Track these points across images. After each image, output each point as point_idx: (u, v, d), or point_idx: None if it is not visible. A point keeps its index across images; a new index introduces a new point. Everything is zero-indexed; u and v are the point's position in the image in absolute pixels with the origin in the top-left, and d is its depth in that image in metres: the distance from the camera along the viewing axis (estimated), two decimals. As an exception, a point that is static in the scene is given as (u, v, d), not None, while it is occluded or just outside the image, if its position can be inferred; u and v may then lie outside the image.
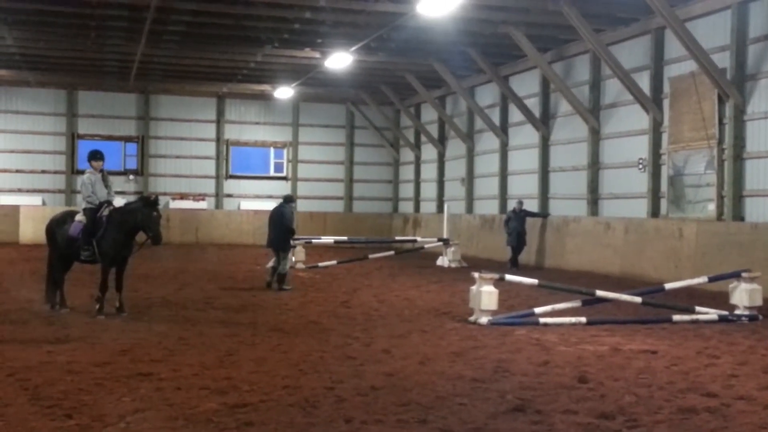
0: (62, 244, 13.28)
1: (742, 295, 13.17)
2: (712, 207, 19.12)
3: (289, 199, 18.30)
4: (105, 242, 12.84)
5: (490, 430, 6.65)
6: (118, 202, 13.31)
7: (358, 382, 8.25)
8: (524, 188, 27.20)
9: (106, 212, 12.97)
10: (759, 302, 13.22)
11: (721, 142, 18.91)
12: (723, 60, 18.68)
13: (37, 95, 34.39)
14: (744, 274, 13.31)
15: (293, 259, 22.46)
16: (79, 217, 13.17)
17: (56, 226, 13.45)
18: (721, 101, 18.81)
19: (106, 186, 13.28)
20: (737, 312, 13.15)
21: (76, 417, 6.82)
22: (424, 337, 11.24)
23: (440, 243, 25.48)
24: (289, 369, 8.89)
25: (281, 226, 17.47)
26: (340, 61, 26.19)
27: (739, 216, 18.38)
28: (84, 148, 31.39)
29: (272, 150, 37.70)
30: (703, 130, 19.28)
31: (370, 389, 7.95)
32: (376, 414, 7.03)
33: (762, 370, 9.18)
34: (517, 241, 23.80)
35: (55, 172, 34.63)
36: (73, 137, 34.77)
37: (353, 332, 11.58)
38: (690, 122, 19.76)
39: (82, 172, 13.83)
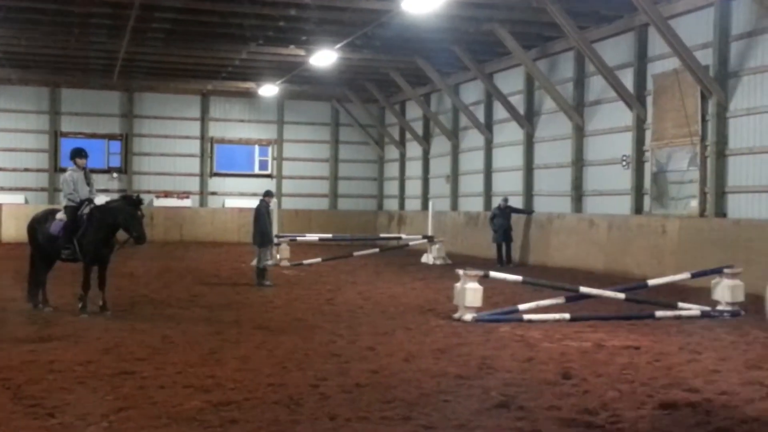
0: (43, 243, 13.21)
1: (725, 291, 13.24)
2: (694, 203, 19.24)
3: (265, 194, 18.55)
4: (86, 241, 12.77)
5: (474, 427, 6.66)
6: (101, 200, 13.23)
7: (342, 380, 8.25)
8: (509, 185, 27.26)
9: (86, 210, 12.91)
10: (741, 298, 13.28)
11: (703, 138, 19.01)
12: (706, 57, 18.78)
13: (19, 93, 34.15)
14: (726, 270, 13.37)
15: (278, 256, 22.49)
16: (60, 215, 13.10)
17: (38, 225, 13.37)
18: (704, 98, 18.90)
19: (89, 184, 13.21)
20: (719, 308, 13.22)
21: (58, 416, 6.79)
22: (409, 334, 11.25)
23: (425, 240, 25.50)
24: (273, 367, 8.88)
25: (258, 222, 17.85)
26: (325, 58, 26.15)
27: (721, 212, 18.49)
28: (67, 146, 31.17)
29: (257, 148, 37.62)
30: (686, 127, 19.39)
31: (354, 386, 7.95)
32: (360, 411, 7.04)
33: (744, 365, 9.24)
34: (504, 238, 23.82)
35: (38, 170, 34.42)
36: (56, 135, 34.57)
37: (338, 329, 11.58)
38: (673, 119, 19.86)
39: (65, 170, 13.75)
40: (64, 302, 13.64)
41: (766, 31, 17.38)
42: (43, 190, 34.32)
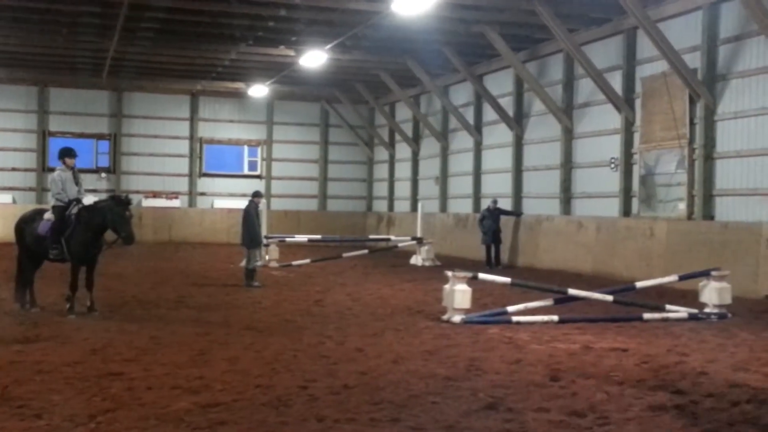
0: (31, 243, 13.16)
1: (712, 294, 13.31)
2: (682, 206, 19.32)
3: (253, 195, 18.52)
4: (74, 241, 12.73)
5: (462, 429, 6.67)
6: (89, 199, 13.19)
7: (331, 381, 8.25)
8: (498, 187, 27.31)
9: (75, 210, 12.86)
10: (728, 301, 13.35)
11: (691, 141, 19.10)
12: (694, 60, 18.87)
13: (7, 92, 33.93)
14: (713, 273, 13.44)
15: (267, 257, 22.46)
16: (48, 215, 13.06)
17: (25, 225, 13.33)
18: (692, 101, 18.99)
19: (77, 184, 13.17)
20: (707, 310, 13.28)
21: (45, 417, 6.77)
22: (398, 336, 11.25)
23: (414, 242, 25.52)
24: (262, 368, 8.87)
25: (246, 223, 17.80)
26: (314, 59, 26.13)
27: (709, 215, 18.57)
28: (55, 145, 31.07)
29: (246, 148, 37.56)
30: (674, 130, 19.47)
31: (343, 388, 7.95)
32: (348, 413, 7.04)
33: (730, 367, 9.28)
34: (493, 240, 23.88)
35: (26, 170, 34.25)
36: (44, 134, 34.42)
37: (327, 331, 11.57)
38: (661, 122, 19.94)
39: (53, 170, 13.71)
40: (52, 303, 13.59)
41: (754, 35, 17.47)
42: (30, 189, 34.15)
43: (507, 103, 26.81)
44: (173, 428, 6.54)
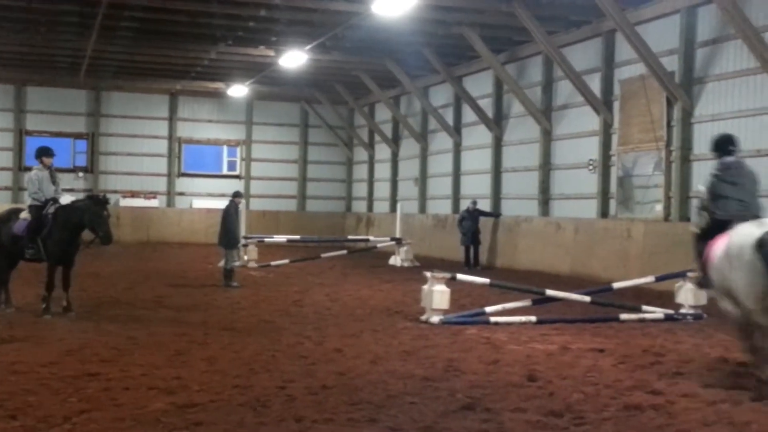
0: (6, 243, 13.04)
1: (688, 295, 13.41)
2: (659, 208, 19.46)
3: (234, 195, 18.56)
4: (50, 240, 12.62)
5: (440, 429, 6.68)
6: (66, 199, 13.09)
7: (309, 382, 8.24)
8: (477, 188, 27.38)
9: (51, 210, 12.76)
10: (704, 301, 13.43)
11: (669, 144, 19.25)
12: (672, 63, 19.02)
13: (-16, 90, 33.70)
14: (689, 274, 13.48)
15: (245, 257, 22.40)
16: (24, 214, 12.95)
17: (1, 224, 13.19)
18: (670, 104, 19.15)
19: (54, 183, 13.07)
20: (683, 311, 13.39)
21: (20, 418, 6.71)
22: (376, 336, 11.26)
23: (393, 242, 25.54)
24: (240, 368, 8.84)
25: (226, 223, 17.87)
26: (294, 59, 26.10)
27: (685, 217, 18.70)
28: (32, 144, 30.76)
29: (225, 148, 37.45)
30: (651, 132, 19.62)
31: (321, 388, 7.95)
32: (326, 413, 7.03)
33: (706, 368, 9.36)
34: (472, 241, 23.96)
35: (2, 169, 33.96)
36: (21, 133, 34.13)
37: (305, 331, 11.55)
38: (639, 124, 20.08)
39: (29, 169, 13.61)
40: (27, 303, 13.47)
41: (731, 39, 17.63)
42: (7, 189, 33.85)
43: (486, 105, 26.89)
44: (150, 429, 6.51)
